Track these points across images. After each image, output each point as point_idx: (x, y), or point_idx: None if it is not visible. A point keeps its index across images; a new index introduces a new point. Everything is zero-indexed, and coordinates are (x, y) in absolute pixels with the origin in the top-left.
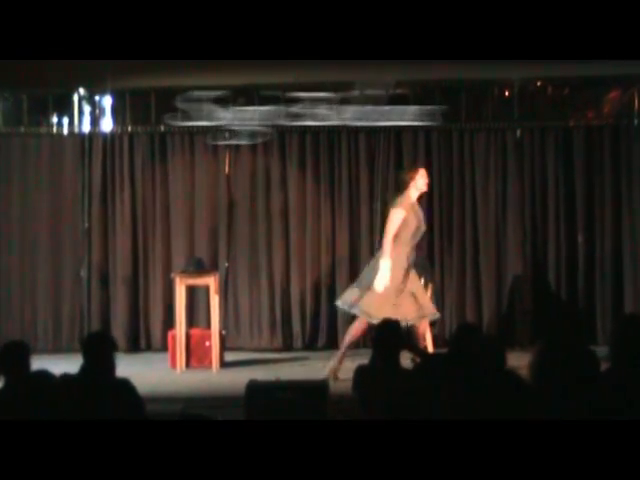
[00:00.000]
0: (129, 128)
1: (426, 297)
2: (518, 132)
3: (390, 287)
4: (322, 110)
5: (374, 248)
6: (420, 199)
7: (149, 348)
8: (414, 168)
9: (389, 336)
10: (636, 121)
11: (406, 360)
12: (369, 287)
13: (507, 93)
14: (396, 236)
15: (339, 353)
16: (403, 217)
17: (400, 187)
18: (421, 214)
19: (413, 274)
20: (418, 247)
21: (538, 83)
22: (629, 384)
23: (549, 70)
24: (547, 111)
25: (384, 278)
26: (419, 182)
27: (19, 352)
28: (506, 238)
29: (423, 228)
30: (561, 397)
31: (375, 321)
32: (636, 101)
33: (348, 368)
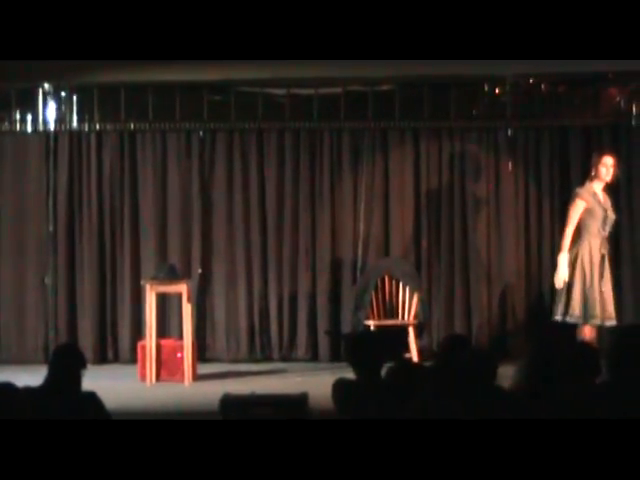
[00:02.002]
0: (97, 126)
1: (611, 303)
2: (510, 132)
3: (574, 282)
4: (302, 108)
5: (356, 256)
6: (605, 188)
7: (117, 359)
8: (598, 155)
9: (367, 348)
10: (634, 121)
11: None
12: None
13: (498, 90)
14: (582, 228)
15: None
16: (584, 208)
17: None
18: (607, 202)
19: (607, 274)
20: None
21: (531, 80)
22: (625, 398)
23: (543, 66)
24: (541, 109)
25: (561, 273)
26: (601, 171)
27: None
28: (498, 244)
29: (612, 216)
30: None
31: (572, 319)
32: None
33: (327, 382)
